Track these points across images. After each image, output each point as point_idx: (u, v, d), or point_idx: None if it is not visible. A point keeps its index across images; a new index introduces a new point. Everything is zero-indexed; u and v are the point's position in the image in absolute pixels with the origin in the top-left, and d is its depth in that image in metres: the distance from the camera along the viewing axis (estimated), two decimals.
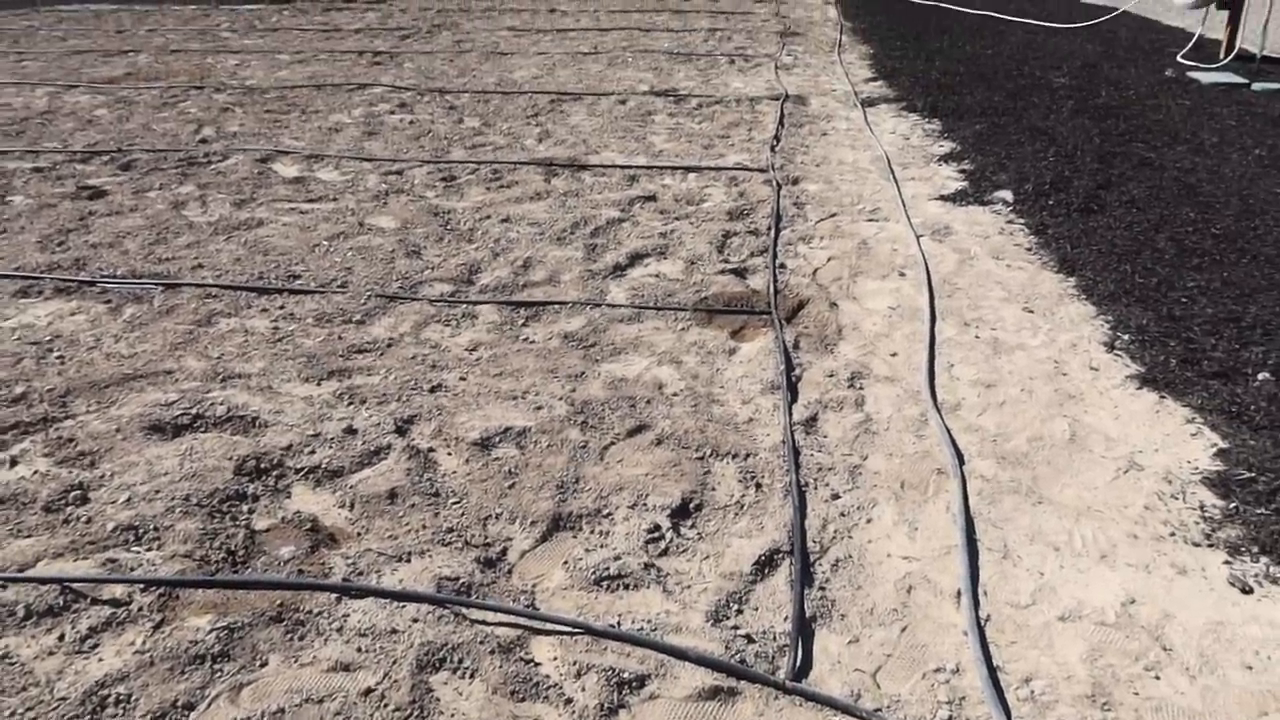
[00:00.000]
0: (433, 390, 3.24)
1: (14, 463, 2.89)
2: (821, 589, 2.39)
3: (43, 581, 2.36)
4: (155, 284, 4.04)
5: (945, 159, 6.01)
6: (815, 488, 2.77)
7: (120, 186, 5.33)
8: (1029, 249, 4.54)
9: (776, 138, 6.38)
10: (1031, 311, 3.88)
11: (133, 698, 2.06)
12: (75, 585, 2.35)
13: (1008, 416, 3.15)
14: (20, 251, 4.42)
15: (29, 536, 2.56)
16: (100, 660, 2.16)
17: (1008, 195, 5.26)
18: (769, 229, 4.70)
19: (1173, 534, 2.57)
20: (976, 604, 2.35)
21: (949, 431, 3.04)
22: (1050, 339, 3.65)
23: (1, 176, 5.50)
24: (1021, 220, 4.91)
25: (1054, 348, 3.58)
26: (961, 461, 2.89)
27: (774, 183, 5.37)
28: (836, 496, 2.74)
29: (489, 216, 4.84)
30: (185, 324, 3.71)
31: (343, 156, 5.80)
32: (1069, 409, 3.17)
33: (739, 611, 2.31)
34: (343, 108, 7.11)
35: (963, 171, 5.75)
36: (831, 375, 3.39)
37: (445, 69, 8.68)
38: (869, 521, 2.65)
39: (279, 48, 9.88)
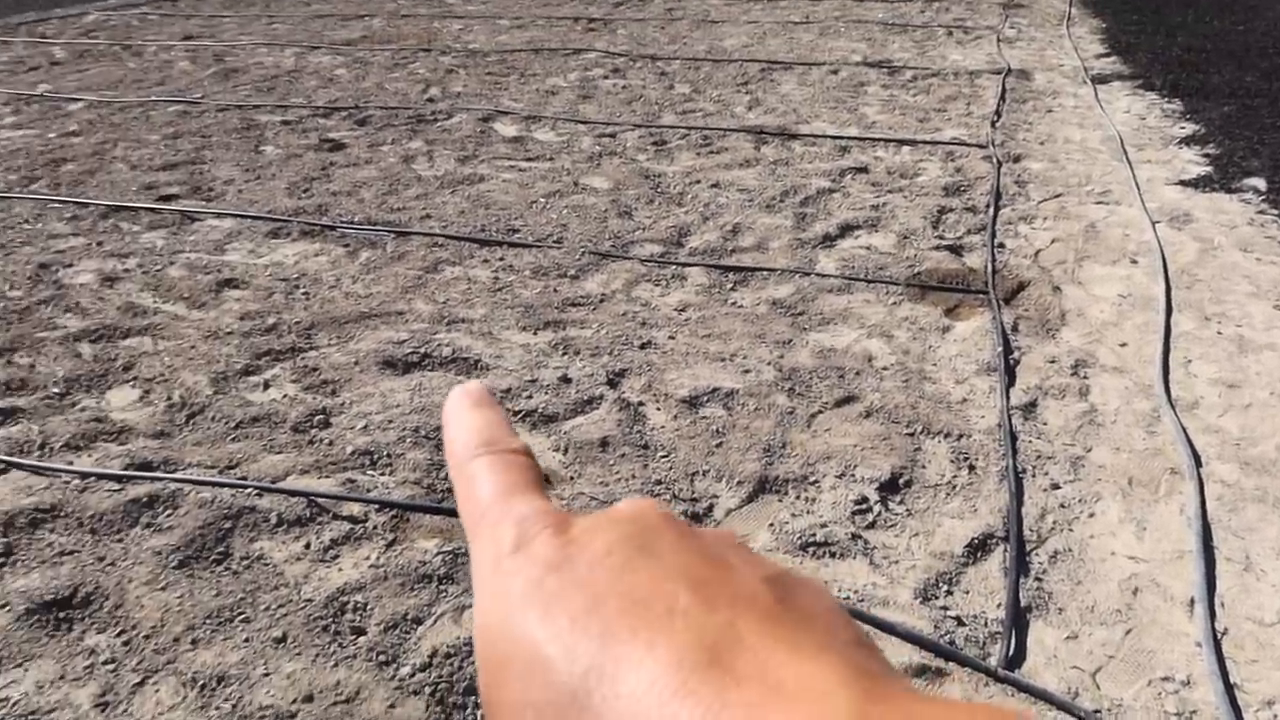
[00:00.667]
0: (643, 347, 3.31)
1: (267, 386, 3.18)
2: (1038, 580, 2.29)
3: (292, 494, 2.59)
4: (388, 231, 4.31)
5: (1186, 142, 5.55)
6: (1033, 475, 2.65)
7: (357, 140, 5.71)
8: None
9: (997, 113, 6.07)
10: None
11: (368, 607, 2.24)
12: (320, 500, 2.57)
13: (1254, 420, 2.89)
14: (271, 196, 4.82)
15: (280, 453, 2.81)
16: (340, 570, 2.36)
17: (1260, 183, 4.80)
18: (987, 206, 4.50)
19: None
20: (1212, 615, 2.19)
21: (1185, 430, 2.83)
22: None
23: (256, 128, 6.00)
24: (1275, 211, 4.47)
25: None
26: (1199, 463, 2.69)
27: (994, 159, 5.12)
28: (1056, 486, 2.61)
29: (699, 181, 4.87)
30: (415, 269, 3.95)
31: (559, 118, 5.98)
32: None
33: (949, 593, 2.25)
34: (559, 71, 7.32)
35: (1206, 156, 5.28)
36: (1053, 361, 3.22)
37: (657, 36, 8.76)
38: (1092, 516, 2.51)
39: (499, 13, 10.25)
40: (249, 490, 2.60)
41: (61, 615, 2.24)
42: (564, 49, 8.05)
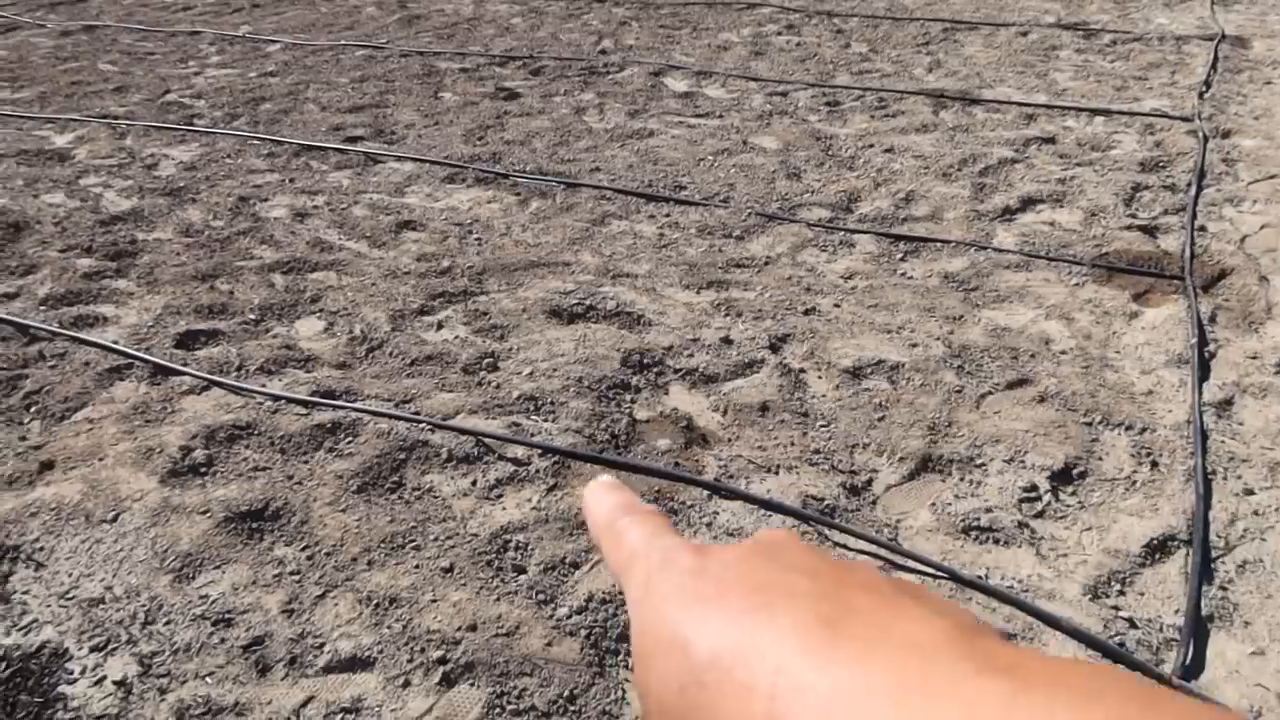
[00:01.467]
0: (807, 313, 3.26)
1: (440, 326, 3.32)
2: (1223, 589, 2.16)
3: (462, 432, 2.70)
4: (558, 182, 4.39)
5: None
6: (1224, 478, 2.48)
7: (530, 90, 5.81)
8: None
9: (1206, 83, 5.60)
10: None
11: (529, 547, 2.33)
12: (487, 440, 2.67)
13: None
14: (449, 142, 4.98)
15: (451, 391, 2.94)
16: (504, 509, 2.46)
17: None
18: (1189, 185, 4.18)
19: None
20: None
21: None
22: None
23: (436, 74, 6.20)
24: None
25: None
26: None
27: (1199, 134, 4.74)
28: (1250, 492, 2.44)
29: (871, 145, 4.72)
30: (582, 221, 4.01)
31: (729, 75, 5.91)
32: None
33: (1121, 593, 2.15)
34: (732, 26, 7.21)
35: None
36: (1254, 357, 2.99)
37: None
38: None
39: None
40: (423, 425, 2.73)
41: (254, 526, 2.43)
42: (738, 2, 7.92)
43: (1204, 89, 5.52)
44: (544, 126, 5.14)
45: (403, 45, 6.96)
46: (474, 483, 2.55)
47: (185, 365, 3.12)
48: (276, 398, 2.91)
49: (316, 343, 3.26)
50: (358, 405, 2.84)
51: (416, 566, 2.28)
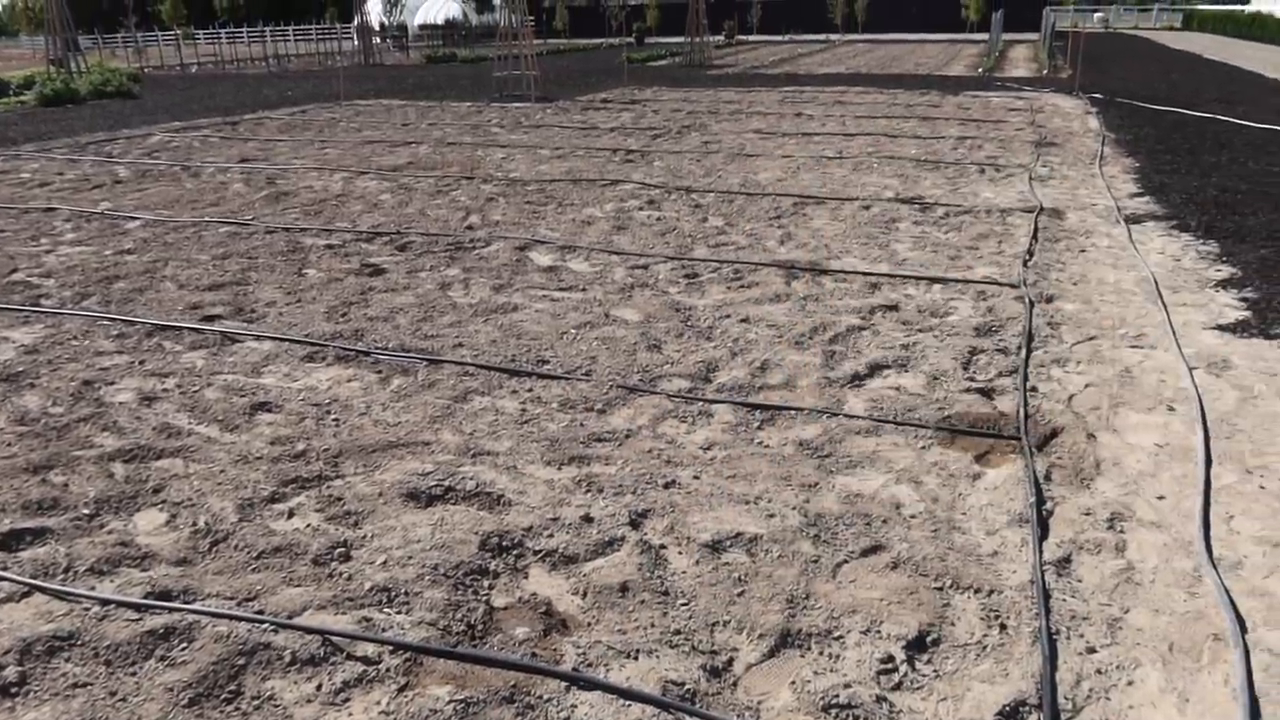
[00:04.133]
0: (666, 486, 3.28)
1: (291, 514, 3.18)
2: None
3: (308, 631, 2.56)
4: (420, 359, 4.38)
5: (1223, 285, 5.54)
6: (1068, 637, 2.55)
7: (397, 266, 5.87)
8: None
9: (1029, 252, 6.12)
10: None
11: None
12: (335, 639, 2.53)
13: None
14: (310, 320, 4.94)
15: (299, 586, 2.79)
16: (350, 715, 2.30)
17: None
18: (1019, 348, 4.49)
19: None
20: None
21: (1228, 592, 2.72)
22: None
23: (301, 251, 6.21)
24: None
25: None
26: (1244, 629, 2.58)
27: (1026, 299, 5.14)
28: (1092, 650, 2.51)
29: (728, 315, 4.92)
30: (444, 398, 3.99)
31: (593, 249, 6.12)
32: None
33: None
34: (595, 202, 7.53)
35: (1245, 300, 5.26)
36: (1088, 513, 3.15)
37: (692, 168, 9.02)
38: (1130, 684, 2.40)
39: (541, 144, 10.65)
40: (265, 625, 2.57)
41: None
42: (602, 180, 8.31)
43: (1028, 257, 6.02)
44: (408, 302, 5.17)
45: (269, 221, 6.97)
46: (319, 687, 2.39)
47: (5, 569, 2.88)
48: (105, 602, 2.71)
49: (156, 538, 3.07)
50: (195, 606, 2.67)
51: None
